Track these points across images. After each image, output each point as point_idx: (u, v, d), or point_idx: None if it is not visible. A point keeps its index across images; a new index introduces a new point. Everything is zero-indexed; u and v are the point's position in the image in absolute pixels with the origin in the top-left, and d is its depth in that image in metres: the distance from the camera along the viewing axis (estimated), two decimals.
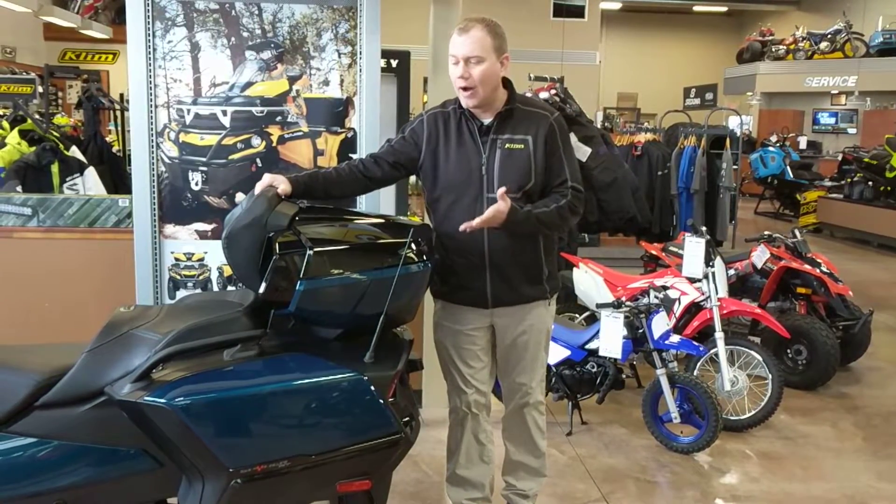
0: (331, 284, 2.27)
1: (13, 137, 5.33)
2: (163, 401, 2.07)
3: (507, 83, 2.83)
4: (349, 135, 3.74)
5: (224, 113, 3.67)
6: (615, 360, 4.02)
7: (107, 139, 6.39)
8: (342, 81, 3.71)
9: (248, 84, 3.66)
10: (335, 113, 3.72)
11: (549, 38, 14.04)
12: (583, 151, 5.80)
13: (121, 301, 3.68)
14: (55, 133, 5.58)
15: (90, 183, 5.36)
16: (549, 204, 2.74)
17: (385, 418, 2.24)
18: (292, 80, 3.68)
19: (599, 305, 4.01)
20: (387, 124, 3.88)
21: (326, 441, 2.20)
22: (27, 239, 3.96)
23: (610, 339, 3.86)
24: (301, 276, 2.23)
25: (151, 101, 3.62)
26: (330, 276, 2.27)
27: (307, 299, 2.24)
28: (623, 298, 4.33)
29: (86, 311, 3.87)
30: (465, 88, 2.69)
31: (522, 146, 2.75)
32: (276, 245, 2.28)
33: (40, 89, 9.88)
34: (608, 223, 6.16)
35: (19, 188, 4.85)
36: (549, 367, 4.11)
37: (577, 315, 5.02)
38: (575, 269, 4.93)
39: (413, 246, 2.40)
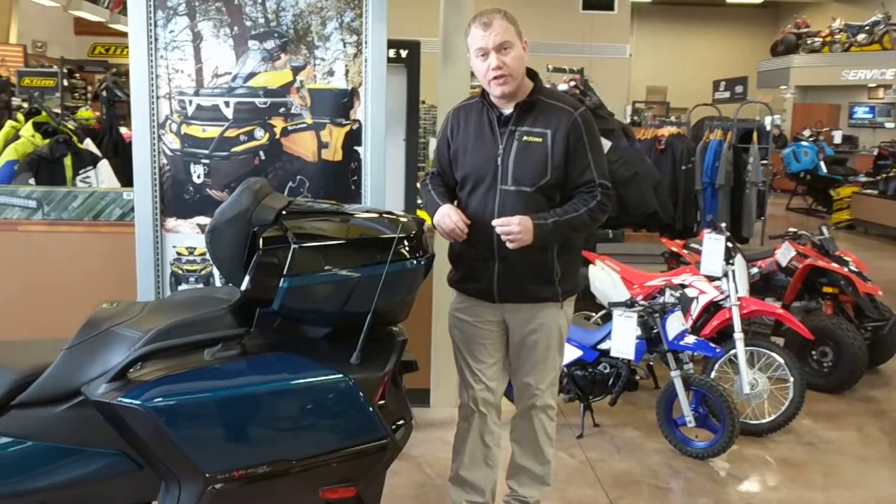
0: (316, 282, 2.17)
1: (27, 130, 5.30)
2: (137, 402, 2.00)
3: (532, 74, 2.77)
4: (354, 127, 3.64)
5: (226, 104, 3.59)
6: (629, 361, 3.88)
7: (122, 132, 6.35)
8: (347, 72, 3.61)
9: (251, 75, 3.58)
10: (340, 104, 3.62)
11: (579, 31, 13.84)
12: (603, 145, 5.66)
13: (125, 295, 3.64)
14: (69, 126, 5.56)
15: (103, 176, 5.33)
16: (579, 207, 2.67)
17: (371, 422, 2.14)
18: (296, 70, 3.59)
19: (612, 304, 3.88)
20: (395, 116, 3.79)
21: (309, 446, 2.11)
22: (31, 232, 3.93)
23: (622, 340, 3.73)
24: (285, 272, 2.14)
25: (153, 92, 3.55)
26: (315, 273, 2.17)
27: (292, 297, 2.15)
28: (639, 297, 4.20)
29: (90, 305, 3.83)
30: (499, 77, 2.64)
31: (540, 140, 2.67)
32: (260, 240, 2.19)
33: (65, 83, 9.95)
34: (628, 218, 6.03)
35: (32, 181, 4.83)
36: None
37: (593, 313, 4.88)
38: (591, 265, 4.79)
39: (406, 241, 2.29)
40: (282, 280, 2.13)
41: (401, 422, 2.32)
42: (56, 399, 2.14)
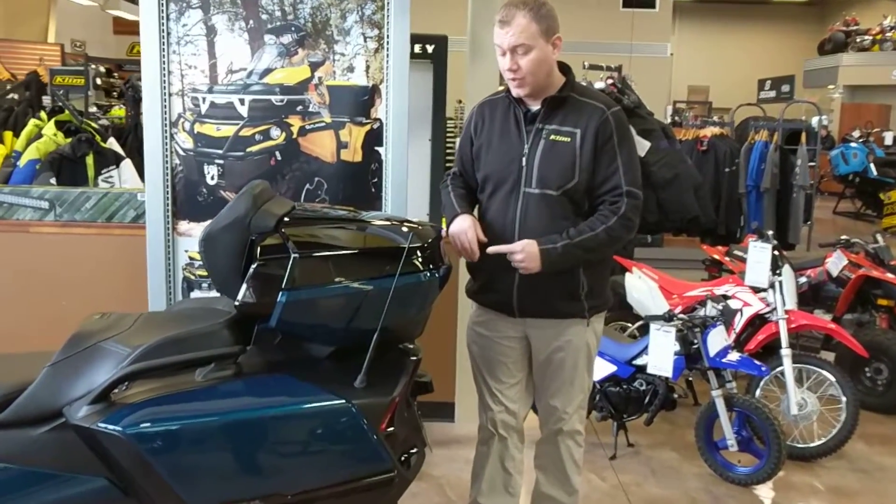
0: (318, 295, 1.98)
1: (49, 128, 5.21)
2: (117, 427, 1.82)
3: (565, 69, 2.54)
4: (375, 126, 3.44)
5: (241, 102, 3.41)
6: (666, 378, 3.62)
7: None
8: (368, 68, 3.41)
9: (267, 71, 3.40)
10: (360, 102, 3.43)
11: (618, 29, 13.49)
12: (641, 146, 5.35)
13: (137, 300, 3.50)
14: (92, 124, 5.45)
15: (126, 175, 5.21)
16: (596, 225, 2.42)
17: (376, 453, 1.93)
18: (314, 66, 3.40)
19: (649, 317, 3.61)
20: (421, 115, 3.58)
21: (306, 478, 1.92)
22: (43, 234, 3.80)
23: (659, 356, 3.47)
24: (284, 285, 1.94)
25: (165, 89, 3.39)
26: (317, 286, 1.98)
27: (291, 312, 1.96)
28: (678, 309, 3.93)
29: (104, 308, 3.69)
30: (514, 79, 2.44)
31: (568, 139, 2.44)
32: (258, 249, 2.00)
33: (99, 81, 9.93)
34: (668, 223, 5.65)
35: (53, 180, 4.72)
36: (593, 383, 3.74)
37: (629, 324, 4.62)
38: (628, 273, 4.52)
39: (419, 252, 2.08)
40: (280, 293, 1.94)
41: (413, 450, 2.12)
42: (37, 420, 1.97)
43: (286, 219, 2.06)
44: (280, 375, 1.96)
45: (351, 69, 3.41)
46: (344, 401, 1.90)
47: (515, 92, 2.49)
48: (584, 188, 2.45)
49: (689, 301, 4.11)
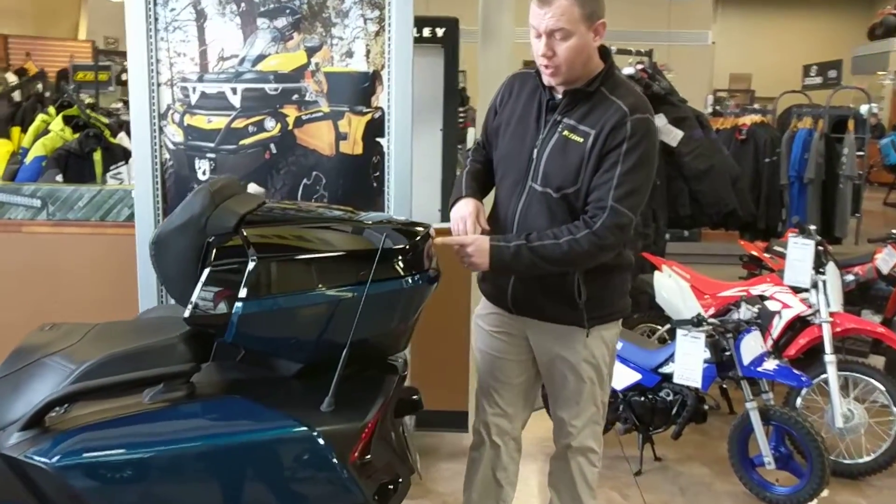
0: (280, 306, 1.72)
1: (57, 123, 5.08)
2: (44, 459, 1.59)
3: (606, 54, 2.23)
4: (376, 115, 3.19)
5: (233, 91, 3.19)
6: (696, 388, 3.31)
7: None
8: (368, 52, 3.16)
9: (261, 57, 3.16)
10: (360, 90, 3.17)
11: (658, 17, 13.08)
12: (673, 135, 5.07)
13: (132, 301, 3.32)
14: (102, 119, 5.30)
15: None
16: (561, 234, 2.13)
17: (344, 487, 1.68)
18: (311, 51, 3.15)
19: (675, 322, 3.30)
20: (429, 103, 3.32)
21: None
22: (36, 234, 3.63)
23: (687, 364, 3.17)
24: (240, 294, 1.70)
25: (153, 78, 3.18)
26: (279, 295, 1.73)
27: (248, 325, 1.72)
28: (710, 311, 3.62)
29: (98, 311, 3.53)
30: (546, 66, 2.15)
31: (581, 140, 2.16)
32: (212, 253, 1.76)
33: (125, 77, 9.83)
34: (703, 218, 5.39)
35: (59, 177, 4.58)
36: (615, 392, 3.45)
37: (658, 326, 4.31)
38: (657, 271, 4.21)
39: (400, 255, 1.82)
40: (235, 303, 1.69)
41: (397, 480, 1.87)
42: None
43: (247, 217, 1.82)
44: (234, 398, 1.72)
45: (350, 54, 3.16)
46: (306, 428, 1.65)
47: (545, 80, 2.22)
48: (584, 196, 2.18)
49: (722, 302, 3.79)
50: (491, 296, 2.41)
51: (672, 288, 4.07)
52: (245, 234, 1.76)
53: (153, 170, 3.25)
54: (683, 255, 7.49)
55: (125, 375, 1.69)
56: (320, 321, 1.74)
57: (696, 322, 3.21)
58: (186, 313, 1.73)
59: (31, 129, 5.14)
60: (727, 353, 3.23)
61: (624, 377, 3.40)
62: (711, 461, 3.59)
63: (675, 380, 3.24)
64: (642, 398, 3.41)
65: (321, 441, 1.65)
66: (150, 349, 1.80)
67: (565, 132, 2.19)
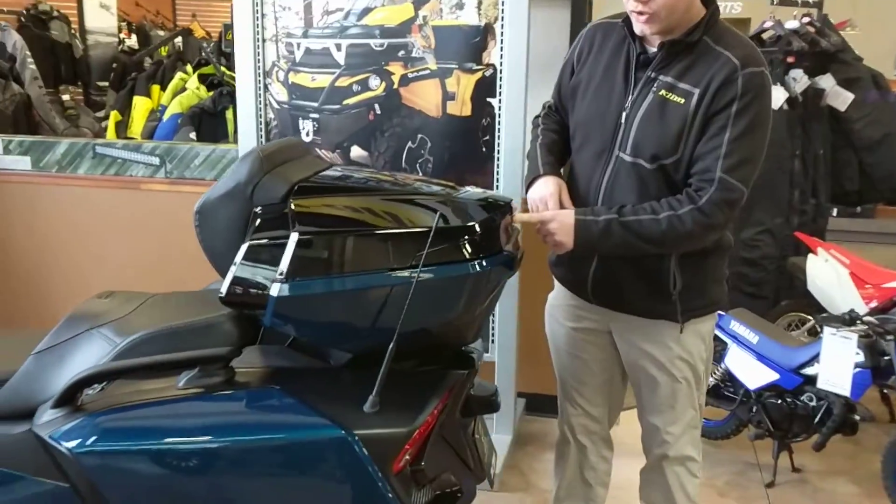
0: (323, 290, 1.52)
1: (193, 82, 5.16)
2: (64, 442, 1.48)
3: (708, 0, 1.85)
4: (487, 73, 2.92)
5: (338, 48, 3.02)
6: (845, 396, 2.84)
7: None
8: (480, 4, 2.89)
9: (366, 11, 2.97)
10: (470, 45, 2.92)
11: None
12: (843, 98, 4.44)
13: None
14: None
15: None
16: (660, 209, 1.80)
17: (381, 498, 1.46)
18: (418, 3, 2.93)
19: (821, 319, 2.83)
20: (547, 62, 2.99)
21: None
22: (153, 191, 3.66)
23: (834, 368, 2.71)
24: (279, 273, 1.50)
25: (258, 34, 3.07)
26: (323, 277, 1.52)
27: (289, 308, 1.52)
28: (871, 304, 3.11)
29: (211, 271, 3.53)
30: (640, 13, 1.79)
31: (683, 101, 1.80)
32: (255, 224, 1.58)
33: None
34: (873, 193, 4.71)
35: (193, 135, 4.66)
36: (748, 392, 3.05)
37: (809, 317, 3.79)
38: (811, 255, 3.69)
39: (466, 234, 1.57)
40: (273, 283, 1.50)
41: (455, 491, 1.64)
42: (16, 416, 1.69)
43: (301, 185, 1.62)
44: (270, 389, 1.54)
45: (460, 6, 2.90)
46: (342, 431, 1.44)
47: (639, 28, 1.84)
48: (686, 166, 1.82)
49: (887, 294, 3.23)
50: (567, 282, 2.10)
51: (828, 275, 3.56)
52: (293, 204, 1.56)
53: (258, 129, 3.17)
54: (852, 232, 6.71)
55: (155, 358, 1.55)
56: (367, 308, 1.52)
57: (848, 319, 2.73)
58: (223, 290, 1.56)
59: (170, 87, 5.24)
60: (887, 358, 2.73)
61: (759, 375, 2.97)
62: (863, 478, 3.10)
63: (820, 384, 2.79)
64: (780, 401, 2.97)
65: (358, 447, 1.44)
66: (195, 327, 1.65)
67: (662, 91, 1.83)
